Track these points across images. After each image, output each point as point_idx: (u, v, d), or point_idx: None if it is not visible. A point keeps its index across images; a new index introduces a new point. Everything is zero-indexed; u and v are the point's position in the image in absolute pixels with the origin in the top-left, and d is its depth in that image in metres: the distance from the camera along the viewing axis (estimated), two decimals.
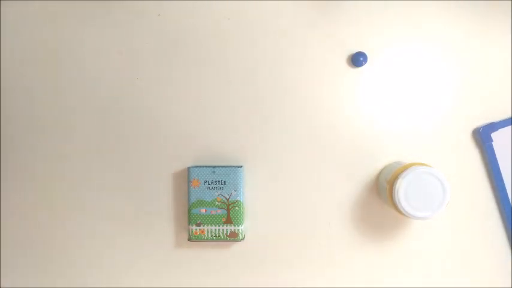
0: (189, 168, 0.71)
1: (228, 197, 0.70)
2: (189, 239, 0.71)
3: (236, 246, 0.74)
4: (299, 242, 0.73)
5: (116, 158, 0.74)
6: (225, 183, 0.70)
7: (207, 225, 0.70)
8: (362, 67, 0.73)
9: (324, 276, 0.74)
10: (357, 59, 0.72)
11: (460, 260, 0.73)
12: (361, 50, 0.73)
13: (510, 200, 0.71)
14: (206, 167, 0.71)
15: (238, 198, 0.70)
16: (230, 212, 0.70)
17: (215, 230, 0.70)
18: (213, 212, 0.70)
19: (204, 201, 0.70)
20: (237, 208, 0.70)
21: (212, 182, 0.70)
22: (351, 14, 0.72)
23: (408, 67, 0.73)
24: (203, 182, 0.71)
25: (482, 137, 0.71)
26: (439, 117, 0.73)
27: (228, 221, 0.70)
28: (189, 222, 0.71)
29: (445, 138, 0.73)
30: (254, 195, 0.73)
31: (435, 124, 0.73)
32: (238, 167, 0.71)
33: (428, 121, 0.73)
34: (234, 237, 0.70)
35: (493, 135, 0.71)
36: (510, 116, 0.72)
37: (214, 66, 0.73)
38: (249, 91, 0.73)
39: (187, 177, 0.73)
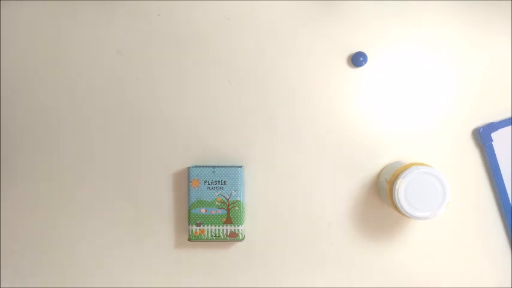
0: (189, 168, 0.71)
1: (228, 197, 0.70)
2: (189, 239, 0.71)
3: (236, 246, 0.74)
4: (299, 242, 0.73)
5: (116, 158, 0.74)
6: (225, 183, 0.70)
7: (207, 225, 0.70)
8: (362, 67, 0.73)
9: (324, 276, 0.74)
10: (357, 59, 0.72)
11: (460, 260, 0.73)
12: (361, 50, 0.73)
13: (510, 200, 0.71)
14: (206, 167, 0.71)
15: (238, 198, 0.70)
16: (230, 212, 0.70)
17: (215, 230, 0.70)
18: (213, 212, 0.70)
19: (204, 201, 0.70)
20: (237, 208, 0.70)
21: (212, 182, 0.70)
22: (351, 14, 0.72)
23: (408, 67, 0.73)
24: (203, 182, 0.70)
25: (482, 137, 0.71)
26: (439, 117, 0.73)
27: (228, 221, 0.70)
28: (189, 222, 0.71)
29: (445, 138, 0.73)
30: (254, 195, 0.73)
31: (435, 124, 0.73)
32: (238, 167, 0.71)
33: (428, 121, 0.73)
34: (234, 237, 0.70)
35: (493, 135, 0.71)
36: (510, 116, 0.72)
37: (214, 67, 0.73)
38: (249, 91, 0.73)
39: (187, 177, 0.73)
